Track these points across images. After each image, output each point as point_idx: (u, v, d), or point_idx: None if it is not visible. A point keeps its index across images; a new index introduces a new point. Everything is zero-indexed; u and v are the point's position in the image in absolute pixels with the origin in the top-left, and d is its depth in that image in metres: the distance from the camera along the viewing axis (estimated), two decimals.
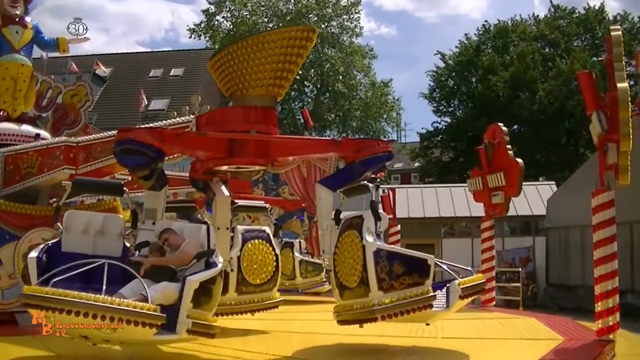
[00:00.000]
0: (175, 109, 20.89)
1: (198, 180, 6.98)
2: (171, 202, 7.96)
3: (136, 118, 24.17)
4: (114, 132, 6.98)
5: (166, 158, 6.65)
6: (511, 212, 11.96)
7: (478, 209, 12.80)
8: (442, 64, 43.01)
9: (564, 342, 6.79)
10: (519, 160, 10.32)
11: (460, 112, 42.68)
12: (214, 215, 6.86)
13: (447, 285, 6.29)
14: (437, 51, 43.54)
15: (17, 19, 9.57)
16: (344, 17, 43.62)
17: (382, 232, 6.29)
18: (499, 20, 43.49)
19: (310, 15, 42.50)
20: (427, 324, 6.63)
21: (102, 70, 28.06)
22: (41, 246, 5.73)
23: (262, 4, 43.44)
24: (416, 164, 46.46)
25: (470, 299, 6.42)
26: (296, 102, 44.14)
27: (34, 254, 5.54)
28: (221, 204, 6.87)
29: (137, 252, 5.92)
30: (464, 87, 42.29)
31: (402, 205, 23.18)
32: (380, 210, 6.41)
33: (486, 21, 46.91)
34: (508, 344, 7.21)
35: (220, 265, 5.64)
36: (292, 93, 42.77)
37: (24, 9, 9.77)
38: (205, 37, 44.20)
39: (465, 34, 43.70)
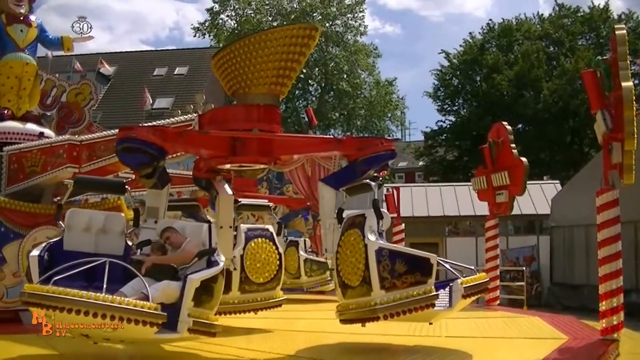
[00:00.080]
0: (179, 108, 20.90)
1: (201, 178, 6.99)
2: (174, 201, 7.94)
3: (140, 117, 24.23)
4: (117, 130, 6.98)
5: (168, 156, 6.66)
6: (515, 211, 11.95)
7: (482, 208, 12.76)
8: (446, 63, 42.98)
9: (568, 341, 6.78)
10: (523, 159, 10.31)
11: (465, 111, 42.64)
12: (216, 214, 6.86)
13: (450, 284, 6.28)
14: (442, 50, 43.58)
15: (21, 18, 9.58)
16: (349, 15, 43.53)
17: (384, 231, 6.28)
18: (503, 19, 43.49)
19: (314, 14, 42.46)
20: (430, 323, 6.61)
21: (107, 68, 28.07)
22: (43, 244, 5.73)
23: (267, 2, 43.41)
24: (420, 163, 46.46)
25: (473, 298, 6.40)
26: (300, 101, 44.12)
27: (35, 252, 5.54)
28: (224, 203, 6.87)
29: (139, 250, 5.92)
30: (468, 86, 42.24)
31: (407, 204, 23.19)
32: (383, 209, 6.39)
33: (490, 20, 47.14)
34: (512, 343, 7.18)
35: (221, 264, 5.63)
36: (297, 92, 42.77)
37: (29, 7, 9.78)
38: (209, 36, 44.23)
39: (470, 33, 43.72)
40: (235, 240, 7.63)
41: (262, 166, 6.94)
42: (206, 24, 44.33)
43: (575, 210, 20.59)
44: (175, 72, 36.78)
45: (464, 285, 6.14)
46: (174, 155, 7.55)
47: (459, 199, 26.83)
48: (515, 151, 10.45)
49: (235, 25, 43.24)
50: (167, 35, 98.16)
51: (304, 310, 10.79)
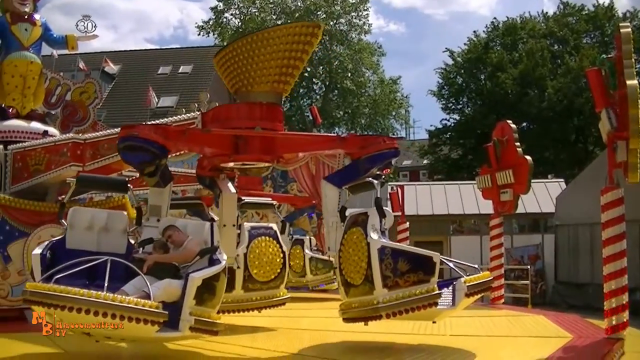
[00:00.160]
0: (184, 106, 20.91)
1: (205, 177, 6.98)
2: (176, 199, 7.94)
3: (145, 115, 24.21)
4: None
5: (172, 155, 6.65)
6: (520, 209, 11.91)
7: (487, 207, 12.75)
8: (450, 61, 42.96)
9: (573, 339, 6.76)
10: (528, 157, 10.30)
11: (469, 109, 42.59)
12: (220, 212, 6.85)
13: (453, 282, 6.26)
14: (446, 48, 43.59)
15: (26, 17, 9.61)
16: (353, 14, 43.52)
17: (387, 230, 6.26)
18: (507, 18, 43.46)
19: (318, 13, 42.45)
20: (434, 322, 6.60)
21: (111, 67, 28.09)
22: (45, 243, 5.72)
23: (271, 1, 43.41)
24: (425, 162, 46.40)
25: (476, 296, 6.37)
26: (305, 99, 44.14)
27: (37, 250, 5.53)
28: (227, 201, 6.86)
29: (141, 249, 5.91)
30: (472, 85, 42.19)
31: (411, 202, 23.15)
32: (386, 208, 6.37)
33: (495, 18, 46.89)
34: (517, 341, 7.16)
35: (224, 262, 5.62)
36: (301, 90, 42.78)
37: (33, 6, 9.81)
38: (213, 35, 44.32)
39: (474, 31, 43.63)
40: (238, 238, 7.62)
41: (265, 164, 6.92)
42: (210, 23, 44.42)
43: (580, 209, 20.54)
44: (179, 71, 36.78)
45: (467, 284, 6.11)
46: (178, 153, 7.55)
47: (463, 197, 26.83)
48: (519, 150, 10.43)
49: (240, 23, 43.27)
50: (171, 34, 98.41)
51: (308, 308, 10.78)
